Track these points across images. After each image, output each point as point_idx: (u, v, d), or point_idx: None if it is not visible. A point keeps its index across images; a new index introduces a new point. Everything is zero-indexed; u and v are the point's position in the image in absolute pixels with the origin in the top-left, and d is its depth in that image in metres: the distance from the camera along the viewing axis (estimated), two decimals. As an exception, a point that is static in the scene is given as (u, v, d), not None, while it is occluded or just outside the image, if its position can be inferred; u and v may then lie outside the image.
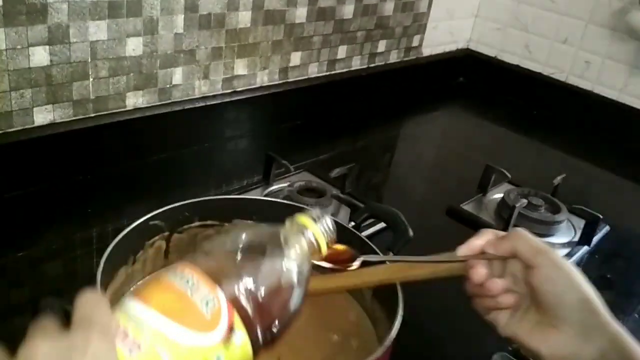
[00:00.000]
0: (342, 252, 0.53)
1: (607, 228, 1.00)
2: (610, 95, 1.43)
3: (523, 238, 0.50)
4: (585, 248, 0.96)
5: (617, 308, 0.83)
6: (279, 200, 0.68)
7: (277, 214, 0.67)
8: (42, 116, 0.87)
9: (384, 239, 0.65)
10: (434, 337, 0.73)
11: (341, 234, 0.64)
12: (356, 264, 0.53)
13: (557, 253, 0.50)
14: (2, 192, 0.85)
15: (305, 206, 0.68)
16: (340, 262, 0.53)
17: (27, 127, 0.86)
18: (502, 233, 0.53)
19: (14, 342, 0.63)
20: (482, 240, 0.52)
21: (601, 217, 0.95)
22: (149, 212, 0.89)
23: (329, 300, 0.63)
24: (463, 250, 0.52)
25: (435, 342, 0.73)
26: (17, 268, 0.76)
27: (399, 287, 0.56)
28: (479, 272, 0.51)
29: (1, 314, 0.68)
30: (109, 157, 0.96)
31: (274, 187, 0.97)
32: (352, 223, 0.65)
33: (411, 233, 0.61)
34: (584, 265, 0.94)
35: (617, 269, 0.96)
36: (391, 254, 0.60)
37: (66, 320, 0.44)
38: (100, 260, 0.53)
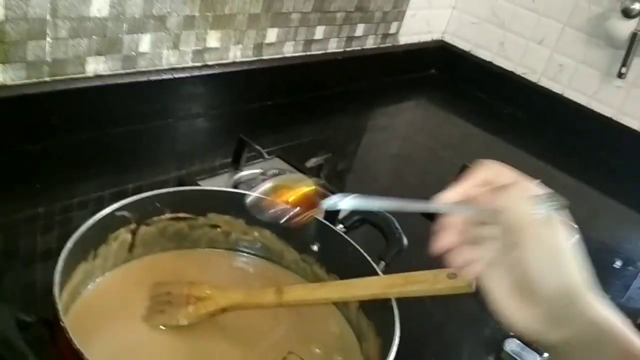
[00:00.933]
0: (308, 196, 0.48)
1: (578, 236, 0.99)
2: (580, 101, 1.43)
3: (515, 201, 0.44)
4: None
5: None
6: (263, 196, 0.62)
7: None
8: (-10, 77, 0.77)
9: (372, 243, 0.61)
10: (415, 346, 0.70)
11: (330, 237, 0.60)
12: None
13: (550, 226, 0.45)
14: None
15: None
16: (304, 206, 0.47)
17: (-29, 87, 0.76)
18: (505, 175, 0.47)
19: None
20: (476, 179, 0.47)
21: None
22: (102, 190, 0.83)
23: (311, 310, 0.58)
24: (451, 196, 0.47)
25: (415, 352, 0.69)
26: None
27: (394, 304, 0.51)
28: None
29: None
30: (63, 126, 0.87)
31: (245, 173, 0.90)
32: (341, 226, 0.59)
33: (405, 242, 0.57)
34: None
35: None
36: (383, 264, 0.56)
37: (17, 327, 0.37)
38: (59, 259, 0.45)
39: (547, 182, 1.23)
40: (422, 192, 1.00)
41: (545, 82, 1.48)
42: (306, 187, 0.49)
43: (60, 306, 0.41)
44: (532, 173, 1.11)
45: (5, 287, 0.64)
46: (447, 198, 0.46)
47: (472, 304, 0.82)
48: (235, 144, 0.93)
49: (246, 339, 0.54)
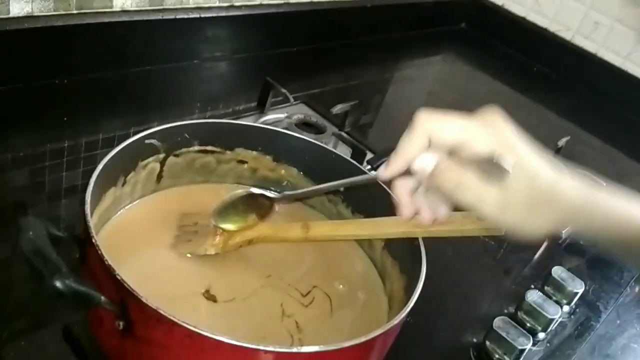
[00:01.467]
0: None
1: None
2: (614, 61, 1.38)
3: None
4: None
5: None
6: (291, 133, 0.61)
7: (285, 146, 0.62)
8: (19, 6, 0.76)
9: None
10: (437, 293, 0.70)
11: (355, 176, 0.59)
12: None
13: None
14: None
15: (319, 143, 0.61)
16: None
17: (1, 17, 0.75)
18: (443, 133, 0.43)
19: None
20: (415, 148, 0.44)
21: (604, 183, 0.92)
22: (128, 128, 0.82)
23: (334, 247, 0.58)
24: (391, 171, 0.44)
25: (437, 299, 0.69)
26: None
27: (421, 243, 0.51)
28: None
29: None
30: (88, 61, 0.86)
31: (270, 117, 0.89)
32: (369, 166, 0.59)
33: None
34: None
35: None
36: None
37: (49, 241, 0.38)
38: (90, 179, 0.45)
39: (574, 143, 1.20)
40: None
41: (579, 41, 1.43)
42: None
43: (92, 223, 0.41)
44: (560, 133, 1.09)
45: (38, 208, 0.65)
46: (389, 174, 0.45)
47: (494, 256, 0.82)
48: (260, 88, 0.92)
49: (271, 271, 0.54)
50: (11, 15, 0.76)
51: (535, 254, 0.85)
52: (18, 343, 0.50)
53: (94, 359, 0.49)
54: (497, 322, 0.64)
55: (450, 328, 0.68)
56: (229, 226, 0.53)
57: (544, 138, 1.10)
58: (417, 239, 0.51)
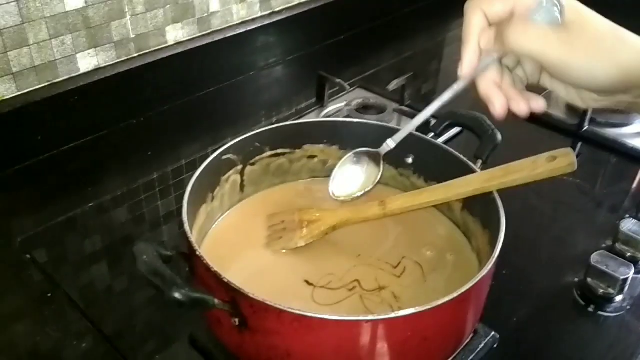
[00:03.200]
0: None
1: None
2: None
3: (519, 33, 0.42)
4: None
5: None
6: (350, 120, 0.65)
7: (347, 133, 0.65)
8: (86, 62, 0.84)
9: (466, 146, 0.61)
10: (527, 242, 0.71)
11: (423, 147, 0.61)
12: None
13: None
14: (59, 145, 0.84)
15: (377, 122, 0.64)
16: None
17: (73, 75, 0.83)
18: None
19: (93, 292, 0.65)
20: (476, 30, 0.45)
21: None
22: (206, 149, 0.88)
23: (415, 217, 0.60)
24: (468, 63, 0.45)
25: (529, 247, 0.70)
26: (87, 219, 0.75)
27: (496, 196, 0.52)
28: None
29: (79, 266, 0.68)
30: (157, 96, 0.93)
31: (331, 109, 0.93)
32: (432, 134, 0.60)
33: (499, 137, 0.57)
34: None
35: None
36: (480, 162, 0.56)
37: (162, 263, 0.43)
38: (184, 200, 0.50)
39: None
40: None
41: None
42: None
43: (193, 238, 0.47)
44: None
45: (143, 237, 0.72)
46: (467, 66, 0.46)
47: (578, 194, 0.81)
48: (315, 84, 0.95)
49: (360, 250, 0.58)
50: (81, 71, 0.84)
51: (630, 184, 0.83)
52: (154, 358, 0.57)
53: (221, 357, 0.54)
54: (595, 257, 0.64)
55: (548, 272, 0.68)
56: (346, 195, 0.57)
57: None
58: (492, 193, 0.52)
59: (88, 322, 0.60)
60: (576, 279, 0.66)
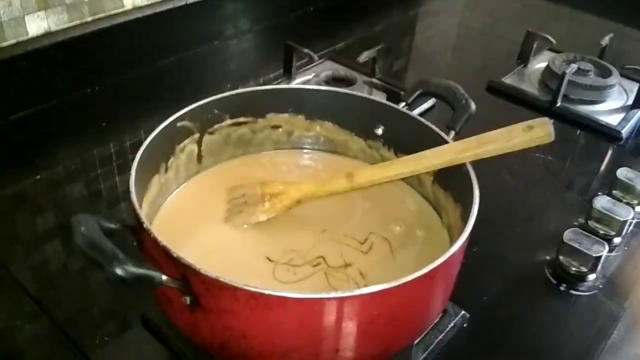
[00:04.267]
0: None
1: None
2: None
3: None
4: (640, 112, 0.88)
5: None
6: (318, 87, 0.61)
7: (315, 103, 0.61)
8: (36, 25, 0.78)
9: (438, 117, 0.58)
10: (499, 219, 0.68)
11: (394, 117, 0.58)
12: None
13: None
14: (6, 114, 0.78)
15: (346, 90, 0.60)
16: None
17: (21, 38, 0.77)
18: None
19: (46, 270, 0.60)
20: None
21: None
22: (165, 120, 0.83)
23: (383, 191, 0.57)
24: None
25: (500, 225, 0.68)
26: (37, 193, 0.70)
27: (469, 168, 0.49)
28: None
29: (30, 242, 0.63)
30: (113, 64, 0.88)
31: (298, 80, 0.88)
32: (403, 104, 0.57)
33: (473, 107, 0.54)
34: (638, 130, 0.87)
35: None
36: (453, 133, 0.53)
37: (102, 236, 0.39)
38: (131, 169, 0.46)
39: (633, 39, 1.12)
40: (492, 71, 0.97)
41: None
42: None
43: (141, 210, 0.42)
44: (603, 33, 1.03)
45: (89, 205, 0.67)
46: None
47: (549, 172, 0.79)
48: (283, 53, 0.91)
49: (325, 225, 0.54)
50: (30, 35, 0.78)
51: (602, 161, 0.82)
52: (103, 339, 0.53)
53: (174, 339, 0.51)
54: (568, 234, 0.62)
55: (520, 251, 0.66)
56: None
57: (588, 40, 1.05)
58: (464, 164, 0.49)
59: (32, 300, 0.56)
60: (548, 257, 0.64)
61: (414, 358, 0.51)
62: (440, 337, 0.53)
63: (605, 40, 0.95)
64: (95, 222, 0.39)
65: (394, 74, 1.00)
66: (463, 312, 0.56)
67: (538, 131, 0.47)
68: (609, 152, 0.84)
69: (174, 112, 0.82)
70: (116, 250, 0.37)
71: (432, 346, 0.52)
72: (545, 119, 0.48)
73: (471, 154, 0.49)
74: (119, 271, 0.36)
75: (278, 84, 0.89)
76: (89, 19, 0.83)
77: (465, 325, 0.56)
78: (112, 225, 0.41)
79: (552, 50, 0.99)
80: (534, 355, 0.56)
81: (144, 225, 0.41)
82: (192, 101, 0.87)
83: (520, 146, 0.48)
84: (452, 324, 0.55)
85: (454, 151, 0.50)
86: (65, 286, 0.59)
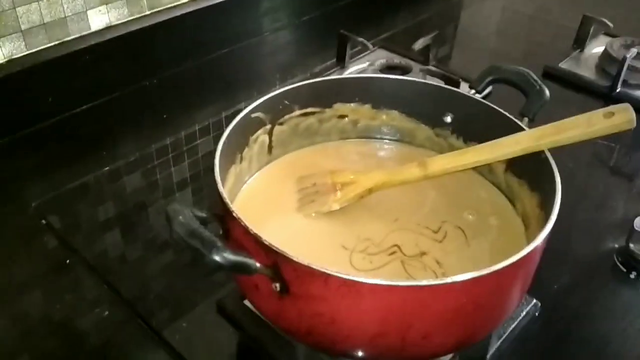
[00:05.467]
0: None
1: None
2: None
3: None
4: None
5: None
6: (385, 76, 0.61)
7: (380, 91, 0.61)
8: (98, 19, 0.79)
9: (511, 105, 0.57)
10: (566, 207, 0.68)
11: (464, 105, 0.58)
12: None
13: None
14: (70, 107, 0.80)
15: (411, 78, 0.60)
16: None
17: (84, 33, 0.79)
18: None
19: (110, 259, 0.62)
20: None
21: None
22: (219, 114, 0.85)
23: (453, 180, 0.57)
24: None
25: (567, 212, 0.67)
26: (101, 185, 0.72)
27: (548, 155, 0.49)
28: None
29: (95, 232, 0.65)
30: (170, 57, 0.89)
31: (352, 69, 0.89)
32: (473, 91, 0.57)
33: (548, 93, 0.53)
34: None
35: None
36: (527, 120, 0.53)
37: (199, 224, 0.40)
38: (215, 159, 0.47)
39: None
40: (548, 56, 0.96)
41: None
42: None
43: (227, 199, 0.43)
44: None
45: (157, 205, 0.69)
46: None
47: (615, 158, 0.78)
48: (335, 44, 0.91)
49: (397, 215, 0.55)
50: (92, 29, 0.79)
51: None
52: (179, 324, 0.55)
53: (249, 325, 0.52)
54: (638, 221, 0.61)
55: (589, 238, 0.65)
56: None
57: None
58: (543, 152, 0.49)
59: (108, 287, 0.58)
60: (617, 245, 0.63)
61: (491, 345, 0.51)
62: (513, 325, 0.53)
63: (664, 24, 0.93)
64: (190, 211, 0.40)
65: (445, 61, 0.99)
66: (535, 300, 0.56)
67: (619, 117, 0.46)
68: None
69: (227, 104, 0.85)
70: (214, 238, 0.38)
71: (506, 334, 0.53)
72: (627, 105, 0.47)
73: (549, 141, 0.49)
74: (218, 258, 0.37)
75: (331, 74, 0.90)
76: (148, 12, 0.85)
77: (537, 314, 0.56)
78: (204, 214, 0.42)
79: (608, 34, 0.97)
80: (605, 343, 0.55)
81: (234, 214, 0.42)
82: (244, 93, 0.88)
83: (601, 133, 0.47)
84: (524, 313, 0.55)
85: (532, 138, 0.49)
86: (134, 271, 0.61)
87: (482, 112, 0.55)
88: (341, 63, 0.90)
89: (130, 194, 0.71)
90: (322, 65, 0.94)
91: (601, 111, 0.48)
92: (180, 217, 0.39)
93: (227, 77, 0.92)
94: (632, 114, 0.47)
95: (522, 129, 0.51)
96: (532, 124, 0.54)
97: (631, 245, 0.62)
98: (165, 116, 0.82)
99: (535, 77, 0.53)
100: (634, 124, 0.47)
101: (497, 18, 1.20)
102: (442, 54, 1.06)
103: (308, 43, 1.05)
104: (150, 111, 0.84)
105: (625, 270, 0.61)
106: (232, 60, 0.95)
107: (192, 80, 0.90)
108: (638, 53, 0.88)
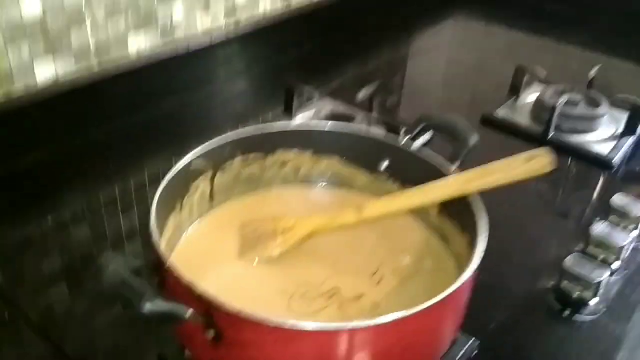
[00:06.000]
0: None
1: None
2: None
3: None
4: (631, 139, 0.91)
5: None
6: (324, 126, 0.63)
7: (321, 139, 0.63)
8: (44, 73, 0.80)
9: (443, 150, 0.60)
10: (502, 247, 0.70)
11: (397, 152, 0.60)
12: None
13: None
14: (16, 158, 0.80)
15: (350, 128, 0.63)
16: None
17: (30, 87, 0.80)
18: None
19: (53, 314, 0.61)
20: None
21: (645, 102, 0.91)
22: (170, 162, 0.85)
23: (390, 223, 0.59)
24: None
25: (503, 252, 0.70)
26: (45, 237, 0.71)
27: (475, 197, 0.51)
28: None
29: (37, 285, 0.64)
30: (119, 110, 0.90)
31: (299, 118, 0.91)
32: (406, 137, 0.60)
33: (475, 139, 0.56)
34: (629, 158, 0.90)
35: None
36: (456, 165, 0.56)
37: (131, 274, 0.40)
38: (151, 209, 0.48)
39: (621, 69, 1.16)
40: (485, 104, 1.01)
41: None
42: None
43: (162, 248, 0.44)
44: (590, 65, 1.07)
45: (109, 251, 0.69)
46: None
47: (547, 200, 0.81)
48: (283, 93, 0.94)
49: (337, 258, 0.56)
50: (39, 84, 0.80)
51: (597, 188, 0.84)
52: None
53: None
54: (569, 260, 0.64)
55: (523, 278, 0.68)
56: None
57: (576, 73, 1.09)
58: (470, 194, 0.52)
59: (49, 344, 0.57)
60: (551, 284, 0.66)
61: (428, 386, 0.52)
62: (452, 365, 0.55)
63: (593, 72, 0.99)
64: (123, 260, 0.40)
65: (390, 109, 1.03)
66: (473, 339, 0.57)
67: (538, 162, 0.49)
68: (602, 180, 0.87)
69: (177, 153, 0.85)
70: (146, 286, 0.38)
71: (444, 374, 0.54)
72: (545, 150, 0.51)
73: (475, 185, 0.51)
74: (148, 306, 0.37)
75: (279, 122, 0.92)
76: (96, 68, 0.86)
77: (475, 352, 0.57)
78: (137, 264, 0.42)
79: (543, 82, 1.03)
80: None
81: (167, 264, 0.43)
82: (194, 141, 0.89)
83: (522, 177, 0.50)
84: (462, 351, 0.56)
85: (459, 183, 0.52)
86: (79, 327, 0.60)
87: (414, 157, 0.58)
88: (289, 112, 0.93)
89: (77, 246, 0.71)
90: (273, 113, 0.96)
91: (522, 156, 0.51)
92: (112, 267, 0.39)
93: (177, 126, 0.94)
94: (549, 159, 0.50)
95: (450, 174, 0.54)
96: (463, 167, 0.57)
97: (564, 283, 0.64)
98: (113, 166, 0.83)
99: (463, 124, 0.57)
100: (552, 168, 0.50)
101: (442, 68, 1.26)
102: (391, 102, 1.10)
103: (259, 93, 1.07)
104: (99, 162, 0.84)
105: (560, 308, 0.64)
106: (182, 109, 0.97)
107: (143, 131, 0.91)
108: (569, 100, 0.94)
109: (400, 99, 1.14)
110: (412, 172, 0.59)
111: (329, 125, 0.63)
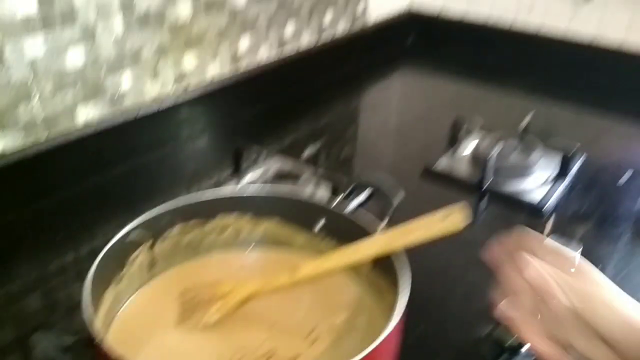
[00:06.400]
0: None
1: (583, 157, 1.02)
2: (557, 33, 1.45)
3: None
4: (565, 181, 0.96)
5: (603, 236, 0.87)
6: (260, 191, 0.66)
7: (259, 202, 0.66)
8: (-9, 146, 0.82)
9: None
10: (439, 298, 0.73)
11: (330, 210, 0.63)
12: None
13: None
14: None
15: (283, 192, 0.65)
16: None
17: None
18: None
19: None
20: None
21: (578, 144, 0.97)
22: (122, 228, 0.86)
23: (326, 281, 0.61)
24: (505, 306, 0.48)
25: (441, 303, 0.72)
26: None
27: (400, 253, 0.54)
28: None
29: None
30: (68, 179, 0.92)
31: (247, 177, 0.94)
32: (341, 196, 0.63)
33: (400, 196, 0.60)
34: (564, 198, 0.94)
35: (598, 196, 0.97)
36: (384, 223, 0.59)
37: (60, 354, 0.42)
38: (84, 285, 0.49)
39: (543, 115, 1.21)
40: (427, 155, 1.04)
41: (520, 24, 1.49)
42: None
43: (94, 325, 0.45)
44: (538, 109, 1.12)
45: (54, 325, 0.68)
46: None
47: (483, 246, 0.84)
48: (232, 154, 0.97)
49: (274, 320, 0.58)
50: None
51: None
52: None
53: None
54: (497, 310, 0.67)
55: (461, 326, 0.70)
56: None
57: (515, 119, 1.13)
58: (394, 252, 0.55)
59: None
60: (486, 332, 0.68)
61: None
62: (391, 419, 0.56)
63: (528, 118, 1.05)
64: (53, 339, 0.41)
65: (341, 163, 1.06)
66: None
67: (452, 219, 0.53)
68: (534, 226, 0.90)
69: (128, 219, 0.87)
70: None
71: None
72: (460, 206, 0.54)
73: (399, 244, 0.54)
74: (74, 386, 0.38)
75: (229, 182, 0.95)
76: (43, 139, 0.88)
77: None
78: (69, 342, 0.43)
79: (481, 130, 1.08)
80: None
81: (96, 340, 0.44)
82: (145, 208, 0.91)
83: (440, 234, 0.53)
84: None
85: (383, 243, 0.55)
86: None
87: (343, 219, 0.61)
88: (238, 172, 0.96)
89: (28, 317, 0.70)
90: (223, 175, 0.99)
91: (439, 213, 0.54)
92: (41, 346, 0.40)
93: (128, 193, 0.95)
94: (463, 215, 0.53)
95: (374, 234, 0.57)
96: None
97: (497, 331, 0.67)
98: (61, 236, 0.83)
99: (387, 185, 0.60)
100: (465, 224, 0.53)
101: (390, 120, 1.31)
102: (346, 154, 1.14)
103: (209, 155, 1.10)
104: (48, 232, 0.84)
105: (492, 356, 0.66)
106: (132, 175, 0.98)
107: (93, 197, 0.92)
108: (503, 149, 0.99)
109: (348, 153, 1.18)
110: (344, 231, 0.62)
111: (266, 190, 0.66)
